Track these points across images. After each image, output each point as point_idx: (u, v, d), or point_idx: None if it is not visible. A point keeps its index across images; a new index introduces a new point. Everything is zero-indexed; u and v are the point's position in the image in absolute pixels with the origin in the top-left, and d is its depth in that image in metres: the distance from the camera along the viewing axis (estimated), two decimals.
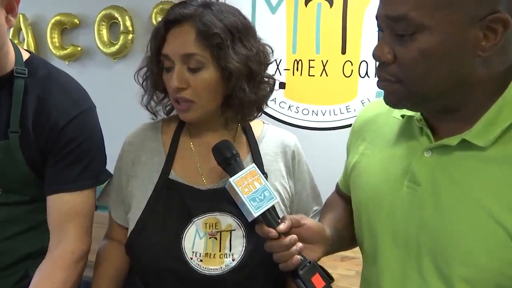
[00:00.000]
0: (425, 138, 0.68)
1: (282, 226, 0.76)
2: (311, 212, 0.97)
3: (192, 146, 0.92)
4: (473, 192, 0.61)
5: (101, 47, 2.24)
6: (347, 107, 1.97)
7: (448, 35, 0.57)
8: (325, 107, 1.99)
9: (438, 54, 0.58)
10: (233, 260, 0.84)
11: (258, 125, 0.97)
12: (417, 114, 0.70)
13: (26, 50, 0.96)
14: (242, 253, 0.84)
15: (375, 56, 0.63)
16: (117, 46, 2.21)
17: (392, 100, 0.67)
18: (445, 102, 0.64)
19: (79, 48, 2.31)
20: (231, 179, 0.78)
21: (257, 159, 0.90)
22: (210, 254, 0.84)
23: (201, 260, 0.84)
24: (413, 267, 0.67)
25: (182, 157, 0.91)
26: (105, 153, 0.97)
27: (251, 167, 0.80)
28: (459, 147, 0.63)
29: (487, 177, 0.61)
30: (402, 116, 0.73)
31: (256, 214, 0.77)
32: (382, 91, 0.67)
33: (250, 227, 0.85)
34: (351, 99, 1.96)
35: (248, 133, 0.94)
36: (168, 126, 0.95)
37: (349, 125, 1.04)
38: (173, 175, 0.89)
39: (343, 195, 0.92)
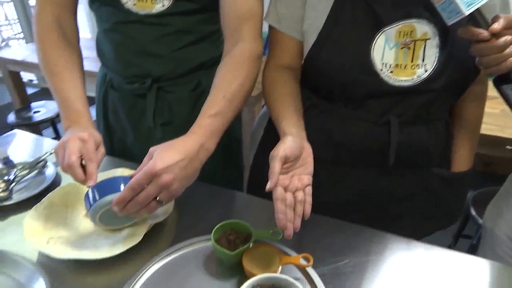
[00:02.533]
0: None
1: (497, 26, 0.67)
2: None
3: None
4: None
5: None
6: None
7: None
8: None
9: None
10: (425, 71, 0.79)
11: None
12: None
13: None
14: (435, 63, 0.79)
15: None
16: None
17: None
18: None
19: None
20: None
21: None
22: (401, 65, 0.80)
23: (391, 72, 0.80)
24: None
25: None
26: None
27: None
28: None
29: None
30: None
31: (467, 11, 0.67)
32: None
33: (445, 35, 0.77)
34: None
35: None
36: None
37: None
38: None
39: None
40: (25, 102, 2.88)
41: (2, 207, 0.92)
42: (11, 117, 2.65)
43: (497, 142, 1.41)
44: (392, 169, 0.88)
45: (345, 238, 0.78)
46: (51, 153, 1.07)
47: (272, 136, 0.86)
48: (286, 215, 0.67)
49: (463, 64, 0.79)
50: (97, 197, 0.73)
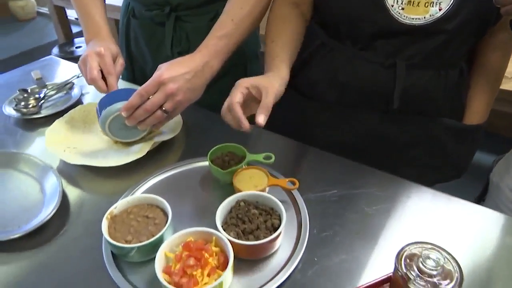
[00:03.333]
0: None
1: None
2: None
3: None
4: None
5: None
6: None
7: None
8: None
9: None
10: (439, 10, 0.76)
11: None
12: None
13: None
14: (451, 2, 0.75)
15: None
16: None
17: None
18: None
19: None
20: None
21: None
22: (413, 2, 0.77)
23: (402, 9, 0.77)
24: None
25: None
26: None
27: None
28: None
29: None
30: None
31: None
32: None
33: None
34: None
35: None
36: None
37: None
38: None
39: None
40: (69, 38, 3.02)
41: (32, 120, 1.01)
42: (55, 51, 2.80)
43: None
44: (397, 114, 0.88)
45: (336, 171, 0.81)
46: (78, 77, 1.15)
47: None
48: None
49: (481, 4, 0.75)
50: (108, 104, 0.79)
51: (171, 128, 0.89)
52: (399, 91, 0.83)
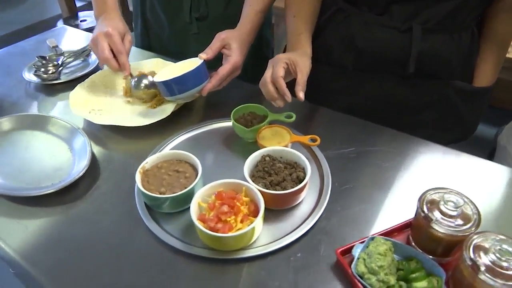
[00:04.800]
0: None
1: None
2: None
3: None
4: None
5: None
6: None
7: None
8: None
9: None
10: None
11: None
12: None
13: None
14: None
15: None
16: None
17: None
18: None
19: None
20: None
21: None
22: None
23: None
24: None
25: None
26: None
27: None
28: None
29: None
30: None
31: None
32: None
33: None
34: None
35: None
36: None
37: None
38: None
39: None
40: (73, 11, 2.99)
41: (52, 85, 1.04)
42: (60, 24, 2.78)
43: None
44: (411, 78, 0.91)
45: (352, 131, 0.84)
46: None
47: None
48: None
49: None
50: (184, 88, 0.83)
51: None
52: (415, 55, 0.85)
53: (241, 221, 0.60)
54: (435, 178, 0.73)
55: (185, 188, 0.66)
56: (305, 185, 0.65)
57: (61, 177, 0.76)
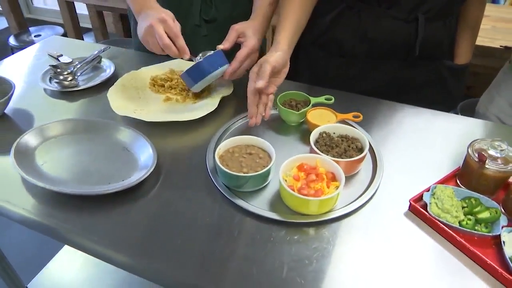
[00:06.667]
0: None
1: None
2: None
3: None
4: None
5: None
6: None
7: None
8: None
9: None
10: None
11: None
12: None
13: None
14: None
15: None
16: None
17: None
18: None
19: None
20: None
21: None
22: None
23: None
24: None
25: None
26: None
27: None
28: None
29: None
30: None
31: None
32: None
33: None
34: None
35: None
36: None
37: None
38: None
39: None
40: (23, 27, 2.80)
41: (72, 92, 1.03)
42: (12, 40, 2.60)
43: (488, 51, 1.63)
44: (414, 61, 1.06)
45: (379, 109, 0.97)
46: (103, 50, 1.17)
47: None
48: (256, 107, 0.85)
49: None
50: (205, 72, 0.89)
51: (227, 85, 0.99)
52: (420, 41, 1.00)
53: (327, 187, 0.69)
54: (460, 137, 0.88)
55: (264, 167, 0.73)
56: (367, 152, 0.76)
57: (130, 174, 0.77)
